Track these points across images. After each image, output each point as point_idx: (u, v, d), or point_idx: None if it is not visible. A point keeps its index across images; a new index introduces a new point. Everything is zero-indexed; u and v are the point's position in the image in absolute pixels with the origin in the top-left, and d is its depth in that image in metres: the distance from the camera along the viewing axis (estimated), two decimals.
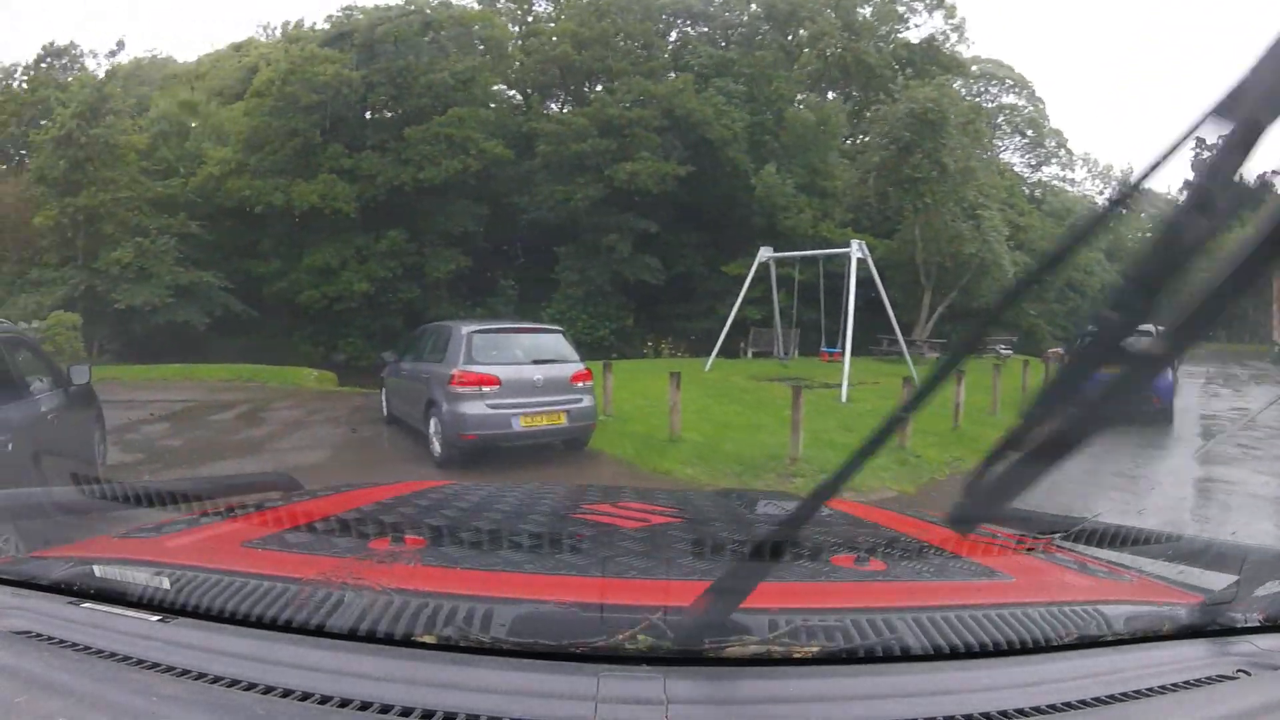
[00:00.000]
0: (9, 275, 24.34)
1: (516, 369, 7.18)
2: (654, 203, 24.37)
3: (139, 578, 0.93)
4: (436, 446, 7.27)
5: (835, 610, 0.89)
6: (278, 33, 28.93)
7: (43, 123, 24.56)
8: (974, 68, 32.60)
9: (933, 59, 28.97)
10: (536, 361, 7.35)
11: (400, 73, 24.15)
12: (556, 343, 7.88)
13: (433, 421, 7.32)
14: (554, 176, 24.34)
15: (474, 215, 24.47)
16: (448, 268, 23.88)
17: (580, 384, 7.48)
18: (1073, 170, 38.69)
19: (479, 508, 1.52)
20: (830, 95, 28.95)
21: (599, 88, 26.67)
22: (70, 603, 0.93)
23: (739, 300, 17.47)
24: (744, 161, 25.22)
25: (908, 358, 15.61)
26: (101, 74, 25.35)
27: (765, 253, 17.63)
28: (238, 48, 28.57)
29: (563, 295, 24.56)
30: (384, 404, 9.84)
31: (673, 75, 26.09)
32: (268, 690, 0.73)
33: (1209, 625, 0.96)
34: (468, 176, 23.58)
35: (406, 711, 0.70)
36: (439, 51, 24.82)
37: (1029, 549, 1.27)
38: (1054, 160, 35.21)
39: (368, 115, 25.19)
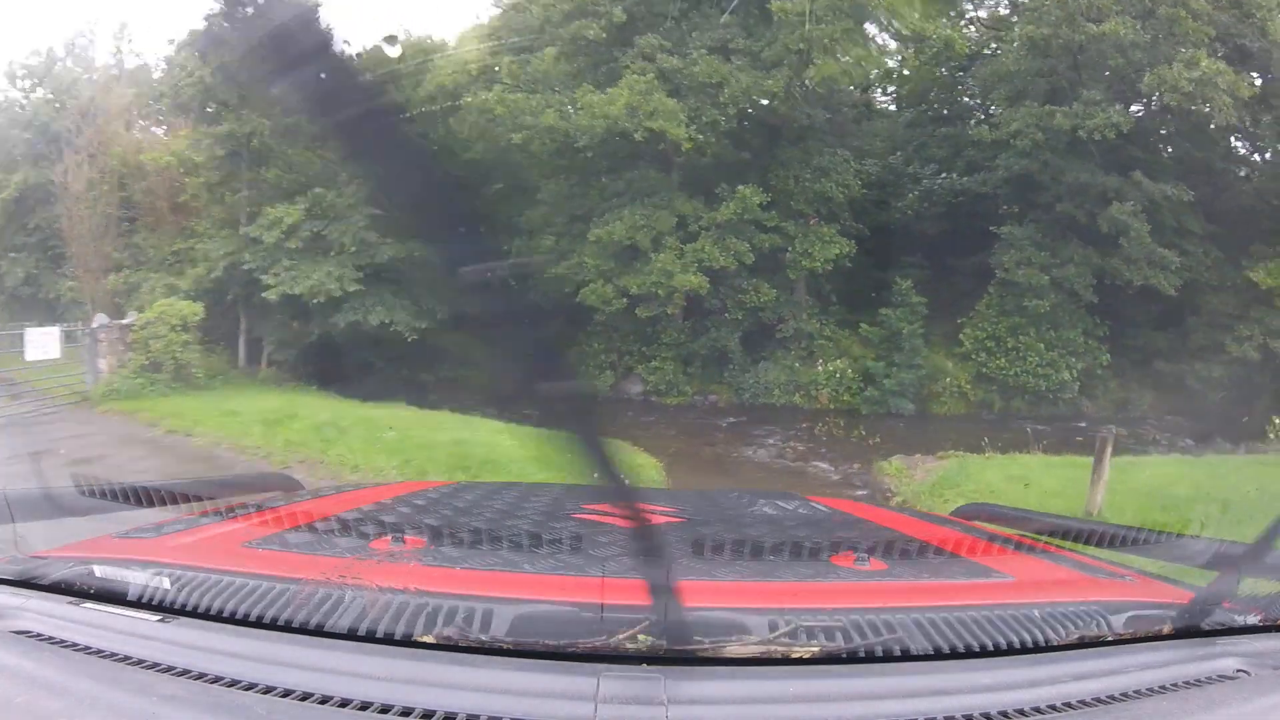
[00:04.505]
0: (157, 250, 15.81)
1: None
2: (1180, 157, 14.06)
3: (139, 578, 0.91)
4: None
5: (835, 610, 0.86)
6: None
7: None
8: None
9: None
10: None
11: None
12: None
13: None
14: (1021, 93, 14.08)
15: (857, 173, 14.71)
16: (827, 254, 14.22)
17: None
18: None
19: (479, 508, 1.50)
20: None
21: None
22: (70, 603, 0.92)
23: None
24: None
25: None
26: None
27: None
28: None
29: (996, 306, 14.61)
30: None
31: None
32: (268, 690, 0.72)
33: (1208, 625, 0.94)
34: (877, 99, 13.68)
35: (406, 711, 0.69)
36: None
37: (1029, 549, 1.26)
38: None
39: None
